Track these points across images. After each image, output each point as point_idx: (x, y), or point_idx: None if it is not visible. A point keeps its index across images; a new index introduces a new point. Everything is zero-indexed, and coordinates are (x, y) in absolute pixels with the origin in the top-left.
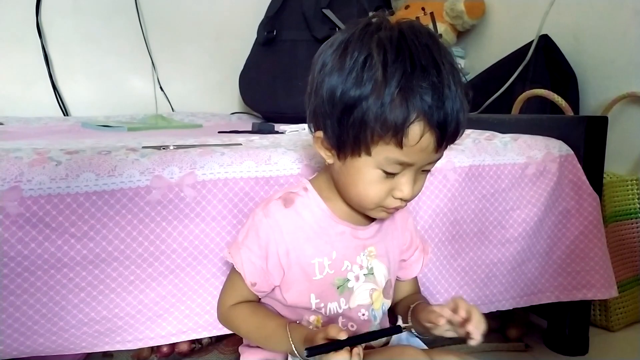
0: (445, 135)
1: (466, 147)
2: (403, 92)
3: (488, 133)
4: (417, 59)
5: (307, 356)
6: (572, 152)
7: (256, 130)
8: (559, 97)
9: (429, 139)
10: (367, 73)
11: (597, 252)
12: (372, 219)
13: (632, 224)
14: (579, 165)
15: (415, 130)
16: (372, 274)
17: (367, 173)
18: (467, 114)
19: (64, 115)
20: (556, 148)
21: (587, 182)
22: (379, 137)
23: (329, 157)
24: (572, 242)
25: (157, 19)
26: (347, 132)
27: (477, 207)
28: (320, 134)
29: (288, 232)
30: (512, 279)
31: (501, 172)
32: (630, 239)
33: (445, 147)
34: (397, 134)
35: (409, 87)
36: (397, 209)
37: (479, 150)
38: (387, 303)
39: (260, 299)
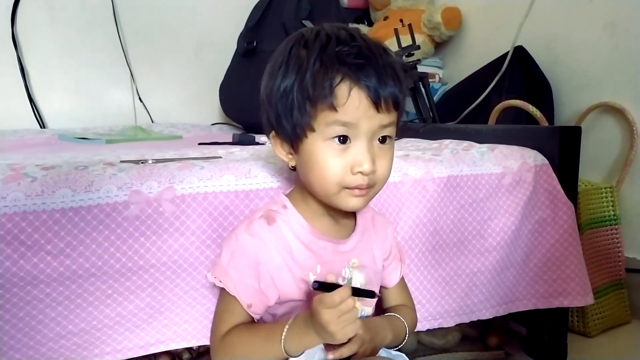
0: (377, 90)
1: (444, 158)
2: (323, 61)
3: (465, 143)
4: (333, 35)
5: (315, 288)
6: (547, 161)
7: (237, 142)
8: (534, 108)
9: (359, 95)
10: (292, 61)
11: (573, 260)
12: (351, 230)
13: (607, 230)
14: (554, 175)
15: (342, 89)
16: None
17: (319, 150)
18: (401, 73)
19: (41, 127)
20: (531, 158)
21: (562, 191)
22: (314, 108)
23: (290, 159)
24: (549, 250)
25: (136, 30)
26: (290, 118)
27: (456, 217)
28: (274, 134)
29: (276, 250)
30: (492, 288)
31: (479, 182)
32: (605, 246)
33: (388, 109)
34: (325, 98)
35: (327, 56)
36: (361, 189)
37: (457, 161)
38: (367, 310)
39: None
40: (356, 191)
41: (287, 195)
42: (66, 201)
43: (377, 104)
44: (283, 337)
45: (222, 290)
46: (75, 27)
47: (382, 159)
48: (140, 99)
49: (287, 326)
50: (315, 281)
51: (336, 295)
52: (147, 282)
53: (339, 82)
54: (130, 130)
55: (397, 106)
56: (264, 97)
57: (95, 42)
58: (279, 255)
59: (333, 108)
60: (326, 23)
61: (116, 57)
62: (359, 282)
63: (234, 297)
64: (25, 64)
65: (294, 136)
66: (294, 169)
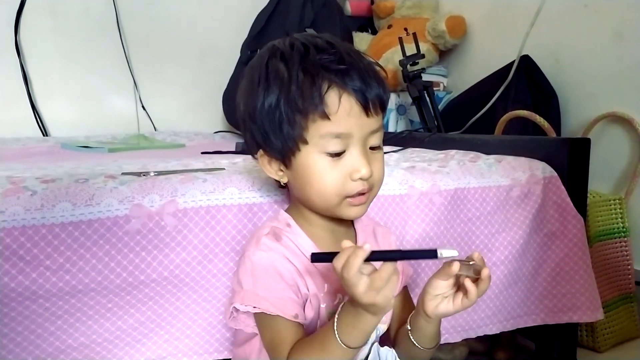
0: (365, 94)
1: (451, 170)
2: (307, 71)
3: (472, 154)
4: (309, 44)
5: (312, 261)
6: (556, 173)
7: (240, 151)
8: (542, 119)
9: (349, 101)
10: (271, 75)
11: (583, 275)
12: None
13: (616, 243)
14: (562, 187)
15: (332, 95)
16: None
17: (314, 163)
18: (382, 79)
19: (44, 135)
20: (540, 170)
21: (572, 204)
22: (304, 120)
23: (280, 177)
24: (557, 264)
25: (139, 37)
26: (279, 133)
27: (464, 231)
28: (262, 152)
29: (290, 259)
30: (499, 303)
31: (486, 195)
32: (614, 259)
33: (377, 113)
34: (316, 107)
35: (310, 64)
36: (363, 194)
37: (463, 173)
38: (382, 328)
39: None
40: (357, 199)
41: (287, 212)
42: (66, 215)
43: (366, 107)
44: (336, 334)
45: (260, 316)
46: (78, 35)
47: (375, 162)
48: (143, 106)
49: (335, 321)
50: (312, 254)
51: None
52: (148, 296)
53: (327, 90)
54: (133, 139)
55: (384, 108)
56: (246, 116)
57: (99, 49)
58: (294, 263)
59: (325, 117)
60: (295, 33)
61: (119, 64)
62: None
63: (276, 315)
64: (28, 71)
65: (285, 151)
66: (285, 186)
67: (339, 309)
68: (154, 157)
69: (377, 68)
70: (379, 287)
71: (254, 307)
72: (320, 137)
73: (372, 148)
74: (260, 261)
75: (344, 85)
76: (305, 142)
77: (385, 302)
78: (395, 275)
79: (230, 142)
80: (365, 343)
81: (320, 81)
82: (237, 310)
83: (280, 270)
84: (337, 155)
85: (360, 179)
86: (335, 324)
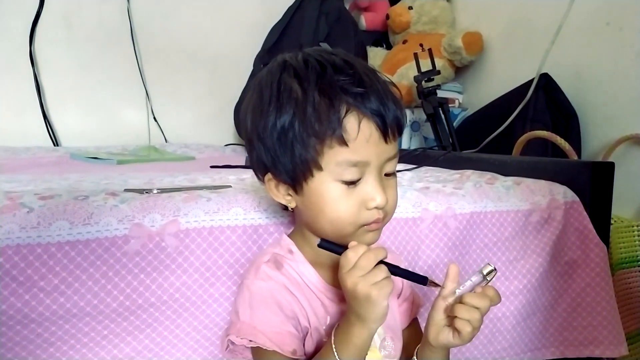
0: (385, 119)
1: (467, 192)
2: (324, 92)
3: (489, 175)
4: (326, 62)
5: (318, 245)
6: (578, 198)
7: (249, 165)
8: (563, 140)
9: (369, 127)
10: (284, 94)
11: (605, 306)
12: None
13: (639, 271)
14: (585, 213)
15: (351, 121)
16: None
17: (328, 190)
18: (400, 104)
19: (54, 145)
20: (561, 194)
21: (594, 230)
22: (320, 144)
23: (288, 201)
24: (579, 294)
25: (153, 49)
26: (291, 157)
27: (480, 257)
28: (269, 176)
29: (290, 290)
30: (516, 334)
31: (504, 220)
32: (637, 288)
33: (394, 138)
34: (334, 131)
35: (328, 85)
36: (378, 223)
37: (480, 196)
38: None
39: None
40: (373, 225)
41: (290, 237)
42: (63, 234)
43: (385, 133)
44: (335, 351)
45: (256, 350)
46: (92, 46)
47: (389, 188)
48: (154, 118)
49: (332, 337)
50: (321, 239)
51: (349, 252)
52: (146, 322)
53: (346, 114)
54: (144, 150)
55: (401, 132)
56: (253, 136)
57: (112, 60)
58: (295, 294)
59: (344, 143)
60: (307, 48)
61: (132, 76)
62: (376, 333)
63: (273, 351)
64: (41, 81)
65: (296, 176)
66: (292, 210)
67: (334, 328)
68: (162, 170)
69: (393, 88)
70: (373, 280)
71: (250, 341)
72: (336, 165)
73: (386, 174)
74: (259, 291)
75: (364, 110)
76: (320, 169)
77: (381, 298)
78: (389, 280)
79: (241, 155)
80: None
81: (339, 104)
82: (232, 342)
83: (280, 302)
84: (352, 183)
85: (376, 207)
86: (334, 344)
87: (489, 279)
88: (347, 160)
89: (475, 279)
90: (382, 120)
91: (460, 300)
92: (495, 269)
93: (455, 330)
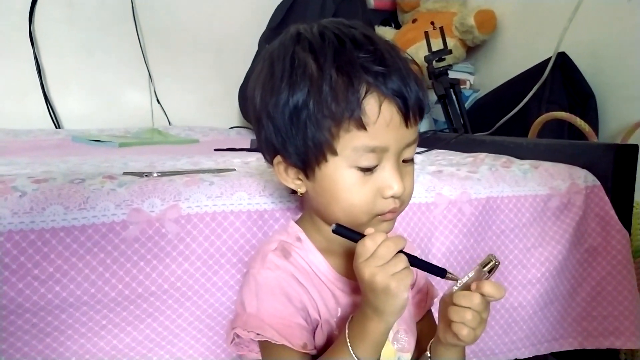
0: (407, 102)
1: (482, 176)
2: (342, 69)
3: (504, 158)
4: (344, 36)
5: (333, 230)
6: (599, 183)
7: (254, 148)
8: (583, 122)
9: (390, 110)
10: (298, 71)
11: (627, 296)
12: None
13: None
14: (606, 198)
15: (371, 102)
16: None
17: (342, 177)
18: (422, 84)
19: (56, 128)
20: (581, 178)
21: (616, 216)
22: (337, 127)
23: (298, 186)
24: (599, 283)
25: (156, 30)
26: (304, 140)
27: (496, 244)
28: (279, 158)
29: (299, 280)
30: (532, 324)
31: (522, 205)
32: None
33: (415, 122)
34: (353, 114)
35: (346, 62)
36: (394, 212)
37: (496, 180)
38: (405, 357)
39: None
40: (388, 215)
41: (298, 224)
42: (57, 220)
43: (407, 117)
44: (350, 346)
45: (264, 344)
46: (93, 27)
47: (406, 176)
48: (158, 100)
49: (347, 331)
50: (335, 224)
51: (367, 240)
52: (147, 312)
53: (366, 95)
54: (147, 133)
55: (422, 115)
56: (262, 114)
57: (114, 42)
58: (304, 284)
59: (362, 127)
60: (323, 19)
61: (134, 57)
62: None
63: (282, 345)
64: (42, 63)
65: (308, 160)
66: (301, 195)
67: (348, 321)
68: (164, 153)
69: (414, 66)
70: (393, 271)
71: (257, 335)
72: (353, 150)
73: (404, 161)
74: (265, 281)
75: (385, 91)
76: (335, 153)
77: (402, 290)
78: (409, 271)
79: (245, 138)
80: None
81: (358, 83)
82: (238, 335)
83: (288, 292)
84: (369, 170)
85: (392, 196)
86: (347, 333)
87: (489, 272)
88: (365, 146)
89: (472, 274)
90: (404, 103)
91: (452, 301)
92: (497, 263)
93: (454, 332)
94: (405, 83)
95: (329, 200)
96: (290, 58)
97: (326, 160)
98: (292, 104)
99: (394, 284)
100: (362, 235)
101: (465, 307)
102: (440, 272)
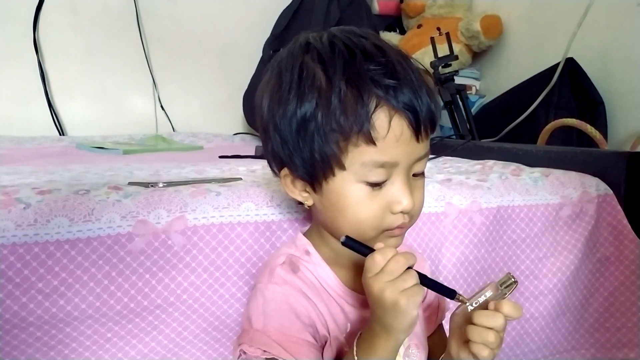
0: (418, 116)
1: (492, 184)
2: (351, 82)
3: (513, 166)
4: (354, 47)
5: (342, 242)
6: (611, 191)
7: (259, 155)
8: (594, 129)
9: (400, 124)
10: (307, 82)
11: None
12: None
13: None
14: (619, 207)
15: (381, 117)
16: None
17: (350, 192)
18: (435, 96)
19: (60, 134)
20: (593, 187)
21: (629, 225)
22: (345, 142)
23: (305, 198)
24: (611, 293)
25: (160, 36)
26: (311, 153)
27: (507, 255)
28: (286, 171)
29: (308, 295)
30: (544, 336)
31: (533, 214)
32: None
33: (427, 136)
34: (362, 128)
35: (356, 74)
36: (402, 228)
37: (507, 188)
38: None
39: None
40: (396, 231)
41: (306, 236)
42: (62, 232)
43: (417, 132)
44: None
45: None
46: (97, 32)
47: (416, 190)
48: (162, 106)
49: (355, 348)
50: (345, 236)
51: (377, 254)
52: (152, 324)
53: (376, 109)
54: (151, 140)
55: (434, 127)
56: (270, 125)
57: (118, 47)
58: (312, 299)
59: (371, 141)
60: (333, 28)
61: (138, 63)
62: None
63: None
64: (46, 70)
65: (315, 174)
66: (309, 207)
67: (357, 338)
68: (169, 160)
69: (427, 77)
70: (402, 287)
71: (264, 352)
72: (361, 165)
73: (414, 175)
74: (273, 297)
75: (395, 105)
76: (342, 168)
77: (411, 307)
78: (419, 287)
79: (250, 145)
80: None
81: (368, 97)
82: (245, 351)
83: (296, 308)
84: (377, 185)
85: (402, 212)
86: (355, 350)
87: (507, 292)
88: (374, 161)
89: (490, 292)
90: (415, 117)
91: (471, 321)
92: (516, 281)
93: (472, 353)
94: (417, 96)
95: (336, 214)
96: (299, 69)
97: (334, 175)
98: (299, 116)
99: (404, 300)
100: (372, 250)
101: (487, 327)
102: (450, 294)
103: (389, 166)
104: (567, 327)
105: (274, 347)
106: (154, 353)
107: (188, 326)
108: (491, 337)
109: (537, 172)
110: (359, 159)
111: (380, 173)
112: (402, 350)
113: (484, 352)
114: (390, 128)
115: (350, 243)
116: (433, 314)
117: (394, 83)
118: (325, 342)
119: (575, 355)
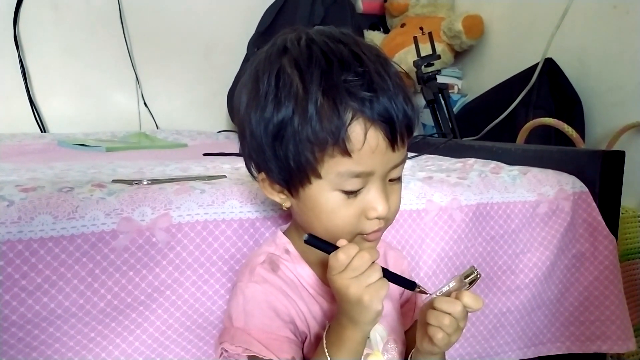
0: (394, 126)
1: (472, 182)
2: (328, 93)
3: (493, 164)
4: (332, 55)
5: (305, 241)
6: (587, 189)
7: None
8: (570, 128)
9: (376, 136)
10: (284, 90)
11: (614, 300)
12: None
13: None
14: (594, 204)
15: (357, 130)
16: (368, 337)
17: (326, 199)
18: (412, 100)
19: (42, 131)
20: (569, 184)
21: (603, 222)
22: (321, 153)
23: (283, 200)
24: (586, 288)
25: (143, 32)
26: (286, 161)
27: (485, 250)
28: (263, 175)
29: (288, 294)
30: (520, 329)
31: (511, 211)
32: None
33: (403, 145)
34: (337, 141)
35: (332, 86)
36: (378, 233)
37: (486, 186)
38: None
39: None
40: (372, 235)
41: (285, 234)
42: (46, 229)
43: (394, 142)
44: (327, 354)
45: (252, 358)
46: (79, 28)
47: (392, 194)
48: (145, 103)
49: (324, 340)
50: (308, 235)
51: (340, 253)
52: (136, 322)
53: (351, 121)
54: (134, 137)
55: (412, 133)
56: (246, 128)
57: (100, 43)
58: (292, 297)
59: (346, 153)
60: (313, 29)
61: (121, 59)
62: (379, 335)
63: (270, 359)
64: (27, 66)
65: (291, 181)
66: (287, 209)
67: (326, 330)
68: (152, 158)
69: (402, 79)
70: (367, 282)
71: (245, 349)
72: (337, 175)
73: (390, 180)
74: (253, 295)
75: (371, 117)
76: (319, 177)
77: (375, 302)
78: (383, 282)
79: (234, 142)
80: None
81: (344, 110)
82: (226, 349)
83: (276, 306)
84: (353, 193)
85: (377, 217)
86: (324, 341)
87: (469, 284)
88: (350, 171)
89: (454, 284)
90: (391, 128)
91: (431, 306)
92: (478, 275)
93: (429, 336)
94: (394, 104)
95: (312, 219)
96: (275, 75)
97: (310, 182)
98: (276, 122)
99: (367, 296)
100: (335, 247)
101: (445, 312)
102: (410, 285)
103: (365, 175)
104: (542, 320)
105: (254, 345)
106: (138, 353)
107: (172, 324)
108: (446, 320)
109: (515, 170)
110: (335, 169)
111: (356, 182)
112: (380, 344)
113: (438, 334)
114: (365, 140)
115: (313, 241)
116: (410, 309)
117: (369, 96)
118: (305, 338)
119: (551, 347)
